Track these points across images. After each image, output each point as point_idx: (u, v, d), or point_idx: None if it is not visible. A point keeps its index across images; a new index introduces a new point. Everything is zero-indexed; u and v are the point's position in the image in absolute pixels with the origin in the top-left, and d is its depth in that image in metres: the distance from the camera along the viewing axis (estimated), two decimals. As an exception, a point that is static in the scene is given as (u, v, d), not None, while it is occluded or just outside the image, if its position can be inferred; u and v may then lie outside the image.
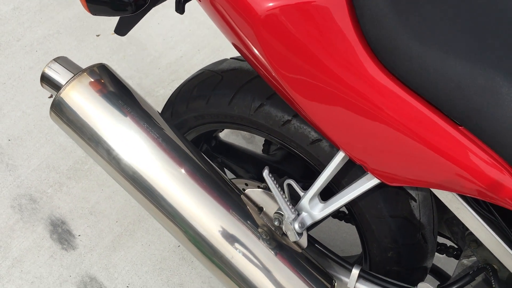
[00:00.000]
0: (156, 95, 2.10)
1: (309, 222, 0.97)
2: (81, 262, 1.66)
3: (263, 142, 1.47)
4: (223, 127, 1.21)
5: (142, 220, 1.76)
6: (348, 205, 1.06)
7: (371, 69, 0.74)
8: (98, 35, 2.26)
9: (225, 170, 1.47)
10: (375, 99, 0.75)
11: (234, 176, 1.41)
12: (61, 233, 1.71)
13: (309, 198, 0.96)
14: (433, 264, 1.30)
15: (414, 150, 0.76)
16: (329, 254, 1.10)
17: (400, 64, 0.72)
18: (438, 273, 1.33)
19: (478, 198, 0.77)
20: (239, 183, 1.25)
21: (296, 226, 0.95)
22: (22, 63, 2.14)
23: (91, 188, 1.82)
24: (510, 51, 0.70)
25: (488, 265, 0.96)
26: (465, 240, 1.05)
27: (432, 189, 0.87)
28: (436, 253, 1.30)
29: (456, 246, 1.26)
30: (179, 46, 2.26)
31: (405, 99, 0.73)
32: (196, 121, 1.20)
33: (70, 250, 1.68)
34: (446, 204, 0.86)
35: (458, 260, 1.09)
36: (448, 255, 1.28)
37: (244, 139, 1.99)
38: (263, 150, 1.47)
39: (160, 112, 1.29)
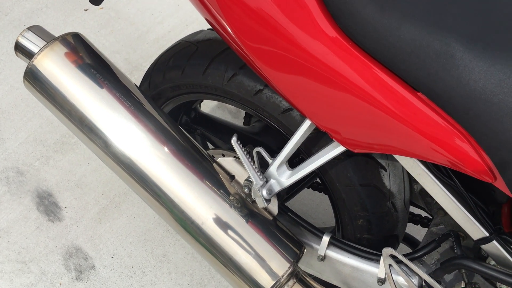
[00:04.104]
0: (143, 69, 2.10)
1: (277, 188, 0.99)
2: (67, 233, 1.69)
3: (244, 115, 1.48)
4: (199, 98, 1.22)
5: (128, 193, 1.78)
6: (320, 174, 1.08)
7: (329, 34, 0.74)
8: (86, 10, 2.25)
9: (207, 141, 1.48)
10: (333, 64, 0.75)
11: (213, 147, 1.43)
12: (48, 205, 1.73)
13: (277, 165, 0.98)
14: (407, 234, 1.32)
15: (372, 116, 0.77)
16: (301, 222, 1.12)
17: (358, 29, 0.73)
18: (412, 243, 1.35)
19: (437, 163, 0.78)
20: (217, 154, 1.26)
21: (264, 192, 0.97)
22: (10, 38, 2.14)
23: (78, 161, 1.84)
24: (465, 15, 0.70)
25: (452, 231, 0.98)
26: (433, 208, 1.07)
27: (394, 155, 0.89)
28: (413, 224, 1.33)
29: (430, 217, 1.28)
30: (167, 21, 2.26)
31: (363, 64, 0.74)
32: (172, 91, 1.21)
33: (56, 221, 1.71)
34: (408, 169, 0.88)
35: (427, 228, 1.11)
36: (422, 226, 1.31)
37: (230, 114, 2.01)
38: (244, 122, 1.48)
39: (139, 83, 1.30)
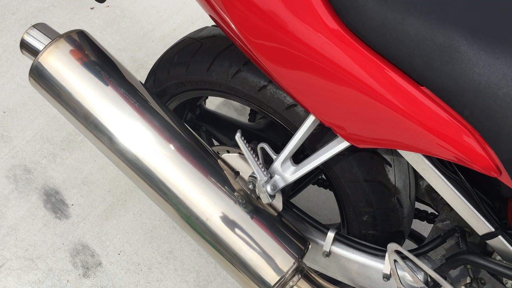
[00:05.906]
0: (149, 67, 2.10)
1: (281, 184, 0.99)
2: (74, 230, 1.70)
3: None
4: (203, 94, 1.22)
5: (134, 190, 1.79)
6: (325, 170, 1.08)
7: (333, 28, 0.74)
8: (92, 8, 2.26)
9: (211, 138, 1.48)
10: (337, 59, 0.75)
11: (218, 144, 1.43)
12: (55, 203, 1.75)
13: (281, 161, 0.98)
14: (413, 230, 1.31)
15: (376, 111, 0.77)
16: (306, 218, 1.12)
17: (361, 23, 0.72)
18: (418, 239, 1.35)
19: (442, 158, 0.78)
20: (221, 150, 1.26)
21: (269, 188, 0.97)
22: (17, 36, 2.15)
23: (84, 159, 1.85)
24: (469, 9, 0.70)
25: (457, 226, 0.97)
26: (439, 204, 1.07)
27: (399, 150, 0.88)
28: (419, 220, 1.32)
29: (436, 213, 1.27)
30: (173, 18, 2.26)
31: (366, 59, 0.74)
32: (177, 88, 1.21)
33: (63, 219, 1.72)
34: (412, 165, 0.87)
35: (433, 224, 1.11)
36: (428, 222, 1.30)
37: (236, 111, 2.01)
38: (249, 119, 1.48)
39: (144, 81, 1.30)
